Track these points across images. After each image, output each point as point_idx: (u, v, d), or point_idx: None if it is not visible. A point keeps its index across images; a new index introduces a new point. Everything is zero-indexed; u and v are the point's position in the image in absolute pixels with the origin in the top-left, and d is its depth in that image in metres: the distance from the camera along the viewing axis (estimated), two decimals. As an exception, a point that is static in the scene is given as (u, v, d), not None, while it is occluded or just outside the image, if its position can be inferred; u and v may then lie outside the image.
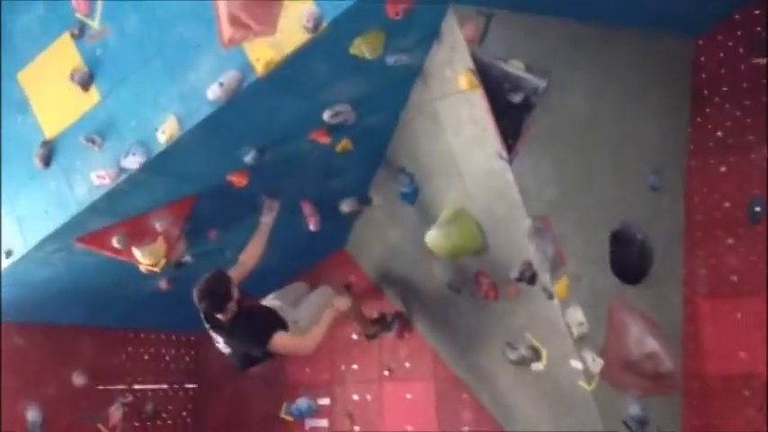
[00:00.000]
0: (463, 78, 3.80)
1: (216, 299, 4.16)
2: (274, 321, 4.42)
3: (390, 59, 3.76)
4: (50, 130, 4.03)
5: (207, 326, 4.37)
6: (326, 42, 3.44)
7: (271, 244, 4.84)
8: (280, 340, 4.30)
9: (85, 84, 3.87)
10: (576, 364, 4.33)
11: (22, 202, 4.20)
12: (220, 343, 4.42)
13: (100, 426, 5.75)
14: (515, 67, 3.90)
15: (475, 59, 3.76)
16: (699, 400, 4.99)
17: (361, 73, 3.80)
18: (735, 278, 4.99)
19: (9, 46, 4.16)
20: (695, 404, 4.98)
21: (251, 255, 4.56)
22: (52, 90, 4.00)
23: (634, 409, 4.59)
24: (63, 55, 3.95)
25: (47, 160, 4.03)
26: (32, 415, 5.25)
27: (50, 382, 5.44)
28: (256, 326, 4.34)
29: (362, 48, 3.59)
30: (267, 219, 4.68)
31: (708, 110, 5.21)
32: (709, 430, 4.92)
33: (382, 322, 5.73)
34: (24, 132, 4.11)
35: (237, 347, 4.40)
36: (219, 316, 4.21)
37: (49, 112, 4.04)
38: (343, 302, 4.74)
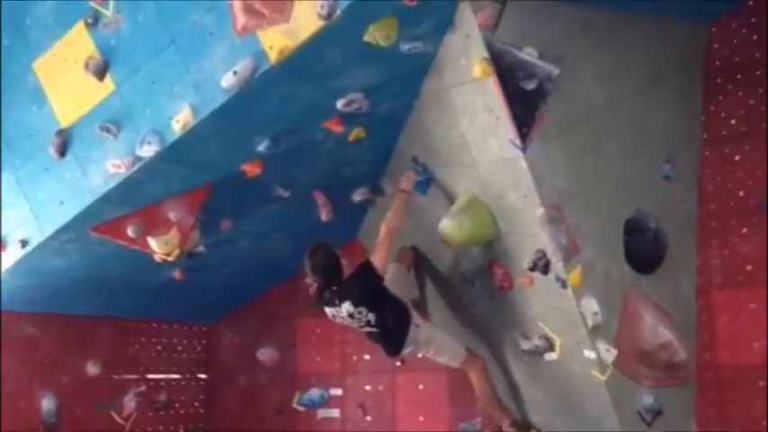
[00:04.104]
0: (477, 66, 3.78)
1: (329, 270, 4.34)
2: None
3: (404, 47, 3.74)
4: (65, 119, 4.05)
5: (329, 309, 4.44)
6: (340, 30, 3.43)
7: (282, 234, 4.86)
8: (374, 257, 4.44)
9: (100, 73, 3.88)
10: (590, 354, 4.32)
11: (37, 192, 4.23)
12: (347, 312, 4.40)
13: (113, 414, 5.80)
14: (529, 55, 3.87)
15: (489, 47, 3.74)
16: (713, 392, 4.97)
17: (374, 61, 3.79)
18: (749, 267, 4.95)
19: (24, 36, 4.17)
20: (709, 395, 4.97)
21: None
22: (67, 79, 4.01)
23: (648, 400, 4.59)
24: (77, 44, 3.96)
25: (62, 150, 4.05)
26: (47, 403, 5.31)
27: (65, 371, 5.51)
28: (360, 270, 4.42)
29: (376, 35, 3.58)
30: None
31: (721, 98, 5.16)
32: (723, 421, 4.90)
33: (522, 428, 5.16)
34: (40, 122, 4.13)
35: (363, 296, 4.40)
36: (335, 287, 4.36)
37: (64, 102, 4.05)
38: (408, 180, 4.68)
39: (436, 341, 4.77)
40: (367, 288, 4.41)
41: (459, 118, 4.16)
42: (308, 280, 4.58)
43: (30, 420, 5.19)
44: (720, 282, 5.03)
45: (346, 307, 4.36)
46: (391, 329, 4.55)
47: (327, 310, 4.47)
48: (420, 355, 4.80)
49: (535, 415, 5.24)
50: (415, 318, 4.66)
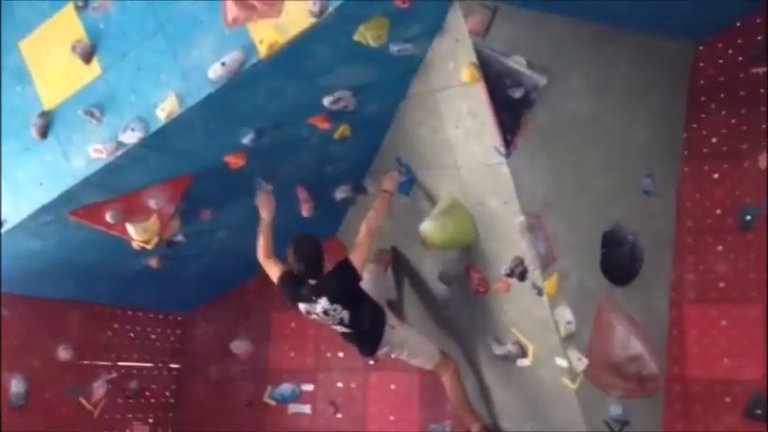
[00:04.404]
0: (465, 71, 3.80)
1: (314, 260, 4.32)
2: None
3: (394, 48, 3.76)
4: (49, 101, 4.02)
5: (304, 305, 4.42)
6: (331, 28, 3.44)
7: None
8: (354, 256, 4.40)
9: (87, 56, 3.85)
10: (562, 362, 4.37)
11: (16, 172, 4.19)
12: (323, 307, 4.38)
13: (82, 400, 5.76)
14: (517, 63, 3.90)
15: (478, 53, 3.76)
16: (680, 405, 5.03)
17: (363, 60, 3.80)
18: (722, 285, 5.01)
19: (11, 15, 4.12)
20: (677, 408, 5.03)
21: (262, 251, 4.64)
22: (53, 61, 3.97)
23: (616, 410, 4.64)
24: (65, 26, 3.92)
25: (44, 131, 4.01)
26: (16, 386, 5.26)
27: (36, 354, 5.45)
28: (339, 267, 4.41)
29: (366, 35, 3.59)
30: (264, 214, 4.70)
31: (704, 116, 5.21)
32: (690, 434, 4.97)
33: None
34: (23, 102, 4.09)
35: (340, 294, 4.39)
36: (312, 281, 4.34)
37: (49, 83, 4.01)
38: (391, 180, 4.71)
39: (411, 343, 4.78)
40: (345, 286, 4.40)
41: (445, 121, 4.19)
42: (278, 269, 4.56)
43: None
44: (693, 297, 5.09)
45: (322, 303, 4.35)
46: (367, 330, 4.55)
47: (302, 305, 4.44)
48: (394, 356, 4.82)
49: (505, 420, 5.27)
50: (390, 319, 4.67)
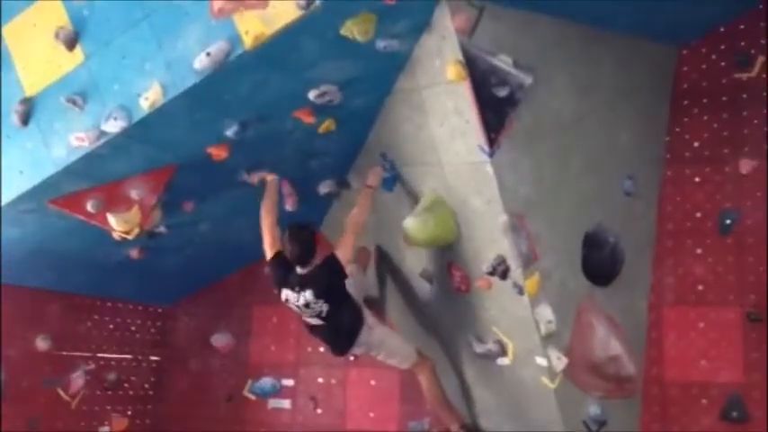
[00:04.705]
0: (451, 69, 3.80)
1: (307, 248, 4.35)
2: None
3: (380, 44, 3.76)
4: (31, 87, 3.97)
5: (287, 291, 4.41)
6: (318, 21, 3.43)
7: (245, 220, 4.84)
8: (339, 252, 4.44)
9: (70, 43, 3.81)
10: (541, 361, 4.38)
11: (-4, 159, 4.15)
12: (307, 301, 4.38)
13: (60, 391, 5.71)
14: (503, 62, 3.91)
15: (464, 51, 3.77)
16: (658, 406, 5.08)
17: (350, 55, 3.80)
18: (701, 288, 5.07)
19: (-5, 0, 4.09)
20: (654, 409, 5.08)
21: (266, 207, 4.65)
22: (36, 47, 3.92)
23: (594, 410, 4.66)
24: (50, 12, 3.87)
25: (25, 118, 3.97)
26: (-7, 376, 5.22)
27: (14, 344, 5.38)
28: (327, 261, 4.42)
29: (353, 30, 3.58)
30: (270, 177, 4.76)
31: (686, 120, 5.27)
32: (666, 436, 5.01)
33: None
34: (4, 89, 4.03)
35: (326, 289, 4.39)
36: (300, 269, 4.36)
37: (32, 70, 3.96)
38: (374, 176, 4.74)
39: (388, 345, 4.78)
40: (332, 281, 4.40)
41: (430, 118, 4.19)
42: (274, 245, 4.55)
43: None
44: (672, 300, 5.14)
45: (306, 295, 4.34)
46: (343, 329, 4.55)
47: (284, 292, 4.43)
48: (372, 354, 4.82)
49: (485, 419, 5.29)
50: (369, 319, 4.66)
